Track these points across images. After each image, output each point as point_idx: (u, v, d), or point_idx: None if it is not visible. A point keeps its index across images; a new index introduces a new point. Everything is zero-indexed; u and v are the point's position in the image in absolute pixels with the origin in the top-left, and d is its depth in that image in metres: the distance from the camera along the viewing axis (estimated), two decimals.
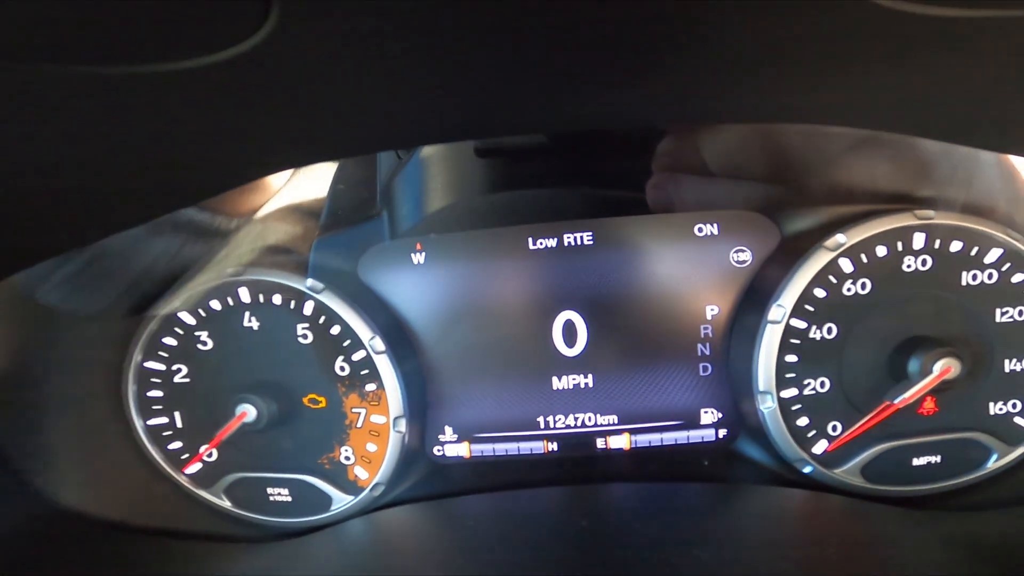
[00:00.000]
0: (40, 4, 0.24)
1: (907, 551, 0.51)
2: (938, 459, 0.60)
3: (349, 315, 0.61)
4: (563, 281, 0.64)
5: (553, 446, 0.67)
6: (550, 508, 0.62)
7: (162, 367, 0.64)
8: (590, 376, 0.66)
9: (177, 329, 0.63)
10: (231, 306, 0.62)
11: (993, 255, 0.57)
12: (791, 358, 0.59)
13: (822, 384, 0.59)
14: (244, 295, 0.62)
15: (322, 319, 0.62)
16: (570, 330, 0.65)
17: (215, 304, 0.62)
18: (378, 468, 0.64)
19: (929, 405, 0.59)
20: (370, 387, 0.63)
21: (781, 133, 0.61)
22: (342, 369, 0.63)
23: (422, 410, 0.67)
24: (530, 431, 0.67)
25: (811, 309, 0.58)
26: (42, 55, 0.27)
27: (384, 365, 0.62)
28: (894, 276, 0.57)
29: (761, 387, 0.59)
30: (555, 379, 0.66)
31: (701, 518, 0.58)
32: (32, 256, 0.43)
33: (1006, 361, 0.58)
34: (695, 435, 0.66)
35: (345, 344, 0.62)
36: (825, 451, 0.60)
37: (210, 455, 0.65)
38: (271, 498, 0.65)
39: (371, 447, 0.64)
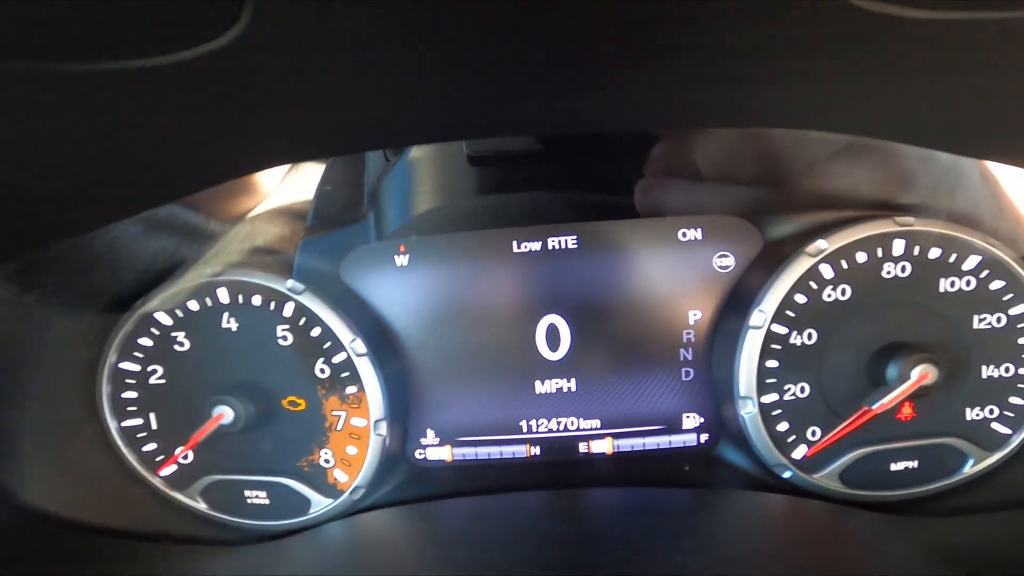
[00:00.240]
0: (10, 1, 0.23)
1: (883, 556, 0.52)
2: (915, 464, 0.60)
3: (330, 317, 0.60)
4: (547, 285, 0.64)
5: (536, 450, 0.67)
6: (531, 512, 0.62)
7: (137, 368, 0.63)
8: (573, 380, 0.65)
9: (153, 330, 0.62)
10: (209, 307, 0.61)
11: (971, 262, 0.57)
12: (772, 363, 0.59)
13: (802, 389, 0.60)
14: (223, 296, 0.61)
15: (302, 321, 0.61)
16: (553, 334, 0.65)
17: (193, 305, 0.61)
18: (358, 471, 0.63)
19: (907, 411, 0.59)
20: (351, 390, 0.62)
21: (772, 138, 0.62)
22: (322, 371, 0.62)
23: (404, 413, 0.66)
24: (512, 435, 0.67)
25: (792, 315, 0.58)
26: (11, 52, 0.26)
27: (365, 368, 0.61)
28: (874, 282, 0.57)
29: (742, 392, 0.59)
30: (538, 383, 0.66)
31: (681, 523, 0.58)
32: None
33: (983, 367, 0.59)
34: (677, 440, 0.66)
35: (325, 346, 0.61)
36: (804, 456, 0.61)
37: (186, 457, 0.64)
38: (248, 501, 0.64)
39: (351, 450, 0.63)
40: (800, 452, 0.61)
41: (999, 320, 0.58)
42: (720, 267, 0.63)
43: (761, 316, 0.58)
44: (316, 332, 0.61)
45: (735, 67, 0.32)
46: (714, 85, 0.34)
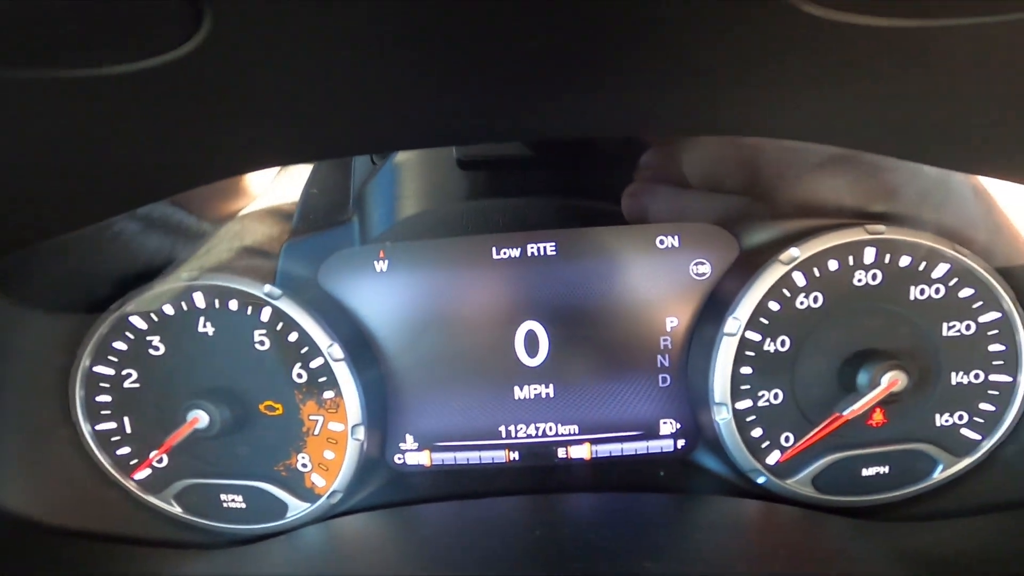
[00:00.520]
0: None
1: (854, 562, 0.52)
2: (886, 469, 0.61)
3: (307, 322, 0.60)
4: (526, 291, 0.64)
5: (514, 455, 0.67)
6: (509, 517, 0.62)
7: (111, 372, 0.62)
8: (551, 386, 0.66)
9: (128, 333, 0.62)
10: (185, 311, 0.61)
11: (940, 270, 0.58)
12: (746, 370, 0.60)
13: (776, 396, 0.60)
14: (199, 300, 0.61)
15: (280, 326, 0.61)
16: (532, 340, 0.65)
17: (168, 309, 0.61)
18: (336, 475, 0.63)
19: (878, 417, 0.60)
20: (328, 395, 0.62)
21: (758, 148, 0.62)
22: (299, 376, 0.62)
23: (382, 418, 0.66)
24: (491, 440, 0.67)
25: (765, 322, 0.59)
26: None
27: (342, 373, 0.61)
28: (845, 290, 0.58)
29: (717, 398, 0.60)
30: (516, 389, 0.66)
31: (656, 528, 0.58)
32: None
33: (952, 374, 0.60)
34: (654, 445, 0.67)
35: (303, 351, 0.61)
36: (778, 461, 0.61)
37: (160, 460, 0.63)
38: (224, 504, 0.64)
39: (328, 454, 0.63)
40: (774, 457, 0.61)
41: (968, 327, 0.59)
42: (697, 274, 0.64)
43: (735, 323, 0.59)
44: (293, 337, 0.61)
45: (697, 75, 0.33)
46: (677, 92, 0.35)
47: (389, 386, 0.66)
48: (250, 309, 0.61)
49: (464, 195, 0.72)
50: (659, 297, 0.64)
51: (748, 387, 0.60)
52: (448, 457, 0.67)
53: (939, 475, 0.61)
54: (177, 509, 0.65)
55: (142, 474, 0.64)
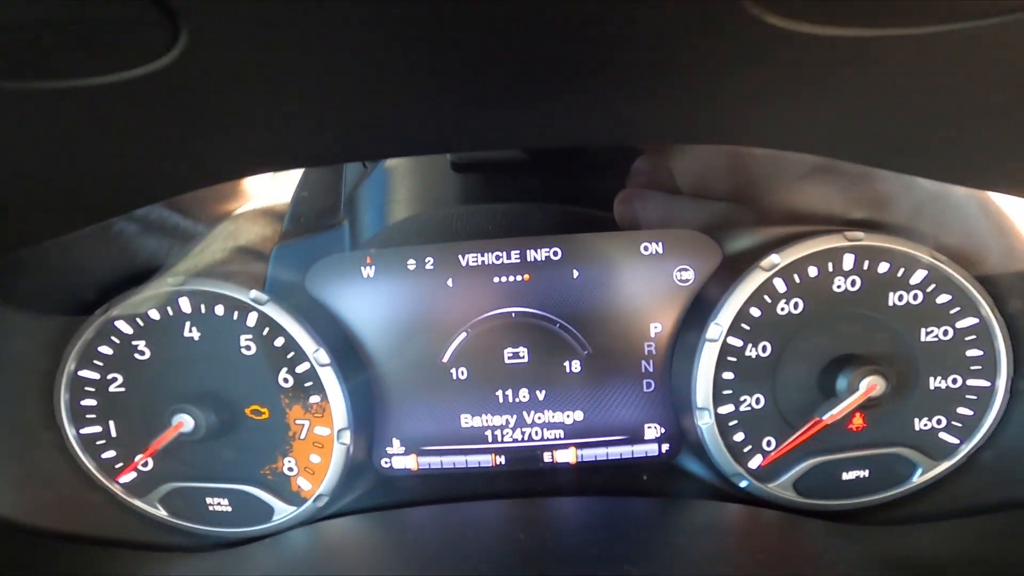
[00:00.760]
0: None
1: (834, 565, 0.53)
2: (866, 473, 0.62)
3: (293, 327, 0.61)
4: (511, 296, 0.65)
5: (500, 459, 0.68)
6: (495, 521, 0.62)
7: (96, 376, 0.62)
8: (537, 391, 0.66)
9: (113, 338, 0.62)
10: (171, 316, 0.61)
11: (918, 276, 0.59)
12: (728, 375, 0.60)
13: (757, 400, 0.61)
14: (185, 305, 0.61)
15: (266, 331, 0.61)
16: (518, 345, 0.65)
17: (154, 314, 0.61)
18: (322, 479, 0.63)
19: (858, 421, 0.61)
20: (314, 399, 0.62)
21: (748, 156, 0.63)
22: (285, 381, 0.62)
23: (368, 422, 0.66)
24: (478, 444, 0.67)
25: (747, 328, 0.60)
26: None
27: (329, 378, 0.61)
28: (825, 296, 0.59)
29: (699, 403, 0.61)
30: (502, 393, 0.66)
31: (640, 532, 0.58)
32: None
33: (931, 379, 0.61)
34: (639, 450, 0.67)
35: (289, 356, 0.62)
36: (760, 466, 0.62)
37: (145, 464, 0.63)
38: (210, 508, 0.64)
39: (315, 458, 0.64)
40: (756, 462, 0.62)
41: (946, 333, 0.60)
42: (680, 280, 0.64)
43: (718, 329, 0.59)
44: (280, 342, 0.61)
45: (671, 85, 0.34)
46: (653, 101, 0.36)
47: (375, 390, 0.66)
48: (236, 314, 0.61)
49: (454, 199, 0.72)
50: (644, 303, 0.64)
51: (730, 392, 0.61)
52: (435, 461, 0.68)
53: (918, 479, 0.62)
54: (162, 512, 0.65)
55: (127, 477, 0.64)
